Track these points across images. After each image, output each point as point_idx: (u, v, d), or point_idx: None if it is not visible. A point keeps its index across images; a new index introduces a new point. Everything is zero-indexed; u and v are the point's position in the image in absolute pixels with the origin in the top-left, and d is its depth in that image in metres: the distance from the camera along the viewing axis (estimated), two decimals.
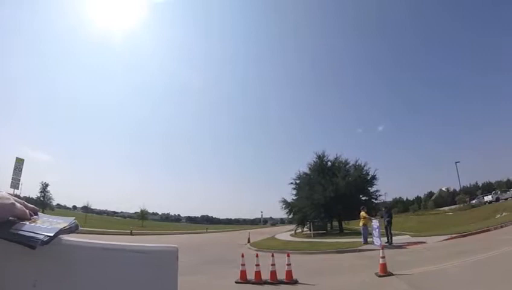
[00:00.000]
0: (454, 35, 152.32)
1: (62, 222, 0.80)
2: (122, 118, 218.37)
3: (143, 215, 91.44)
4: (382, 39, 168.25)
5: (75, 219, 0.85)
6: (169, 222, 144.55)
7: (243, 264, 9.44)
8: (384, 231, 16.92)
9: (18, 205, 0.76)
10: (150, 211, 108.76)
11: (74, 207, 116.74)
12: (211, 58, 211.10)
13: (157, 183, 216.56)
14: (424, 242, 16.13)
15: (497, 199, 55.12)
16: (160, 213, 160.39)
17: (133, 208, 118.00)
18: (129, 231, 42.47)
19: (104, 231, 38.99)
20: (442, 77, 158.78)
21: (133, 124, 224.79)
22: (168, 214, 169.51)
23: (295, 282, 8.77)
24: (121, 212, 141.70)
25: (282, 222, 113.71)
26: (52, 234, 0.70)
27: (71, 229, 0.80)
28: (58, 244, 0.71)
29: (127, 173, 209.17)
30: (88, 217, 65.24)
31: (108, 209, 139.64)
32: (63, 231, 0.75)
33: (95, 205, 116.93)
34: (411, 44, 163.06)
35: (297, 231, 38.93)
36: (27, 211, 0.79)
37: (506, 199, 52.30)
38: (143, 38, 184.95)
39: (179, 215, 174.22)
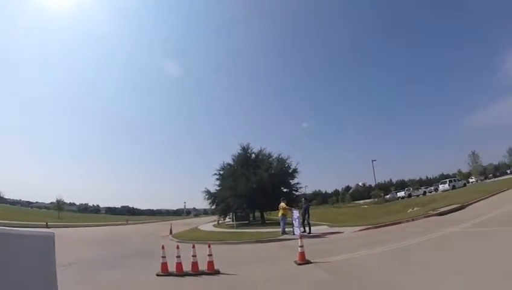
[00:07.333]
0: (381, 41, 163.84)
1: None
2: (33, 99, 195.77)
3: (59, 206, 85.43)
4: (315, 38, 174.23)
5: None
6: (88, 213, 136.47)
7: (163, 257, 9.19)
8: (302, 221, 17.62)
9: None
10: (67, 201, 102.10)
11: None
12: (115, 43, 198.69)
13: (74, 172, 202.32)
14: (341, 232, 17.00)
15: (410, 195, 60.91)
16: (77, 204, 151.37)
17: (49, 198, 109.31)
18: (44, 223, 39.22)
19: (16, 223, 35.34)
20: (367, 81, 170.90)
21: (43, 104, 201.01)
22: (86, 204, 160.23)
23: (217, 272, 8.77)
24: (37, 202, 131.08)
25: (205, 212, 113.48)
26: None
27: None
28: None
29: (39, 158, 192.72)
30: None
31: (23, 199, 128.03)
32: None
33: (8, 195, 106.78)
34: (340, 44, 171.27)
35: (220, 222, 39.30)
36: None
37: (418, 196, 57.81)
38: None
39: (97, 206, 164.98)
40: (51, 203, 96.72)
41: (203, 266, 8.96)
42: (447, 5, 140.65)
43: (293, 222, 17.32)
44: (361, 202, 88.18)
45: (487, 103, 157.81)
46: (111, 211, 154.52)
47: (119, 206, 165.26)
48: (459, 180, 56.42)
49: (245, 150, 38.14)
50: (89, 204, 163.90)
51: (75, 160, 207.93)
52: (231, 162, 38.53)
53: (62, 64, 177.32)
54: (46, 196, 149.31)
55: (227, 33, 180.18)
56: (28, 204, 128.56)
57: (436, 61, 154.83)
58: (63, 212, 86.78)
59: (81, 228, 44.54)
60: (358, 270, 7.80)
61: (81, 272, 9.94)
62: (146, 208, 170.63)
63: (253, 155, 38.25)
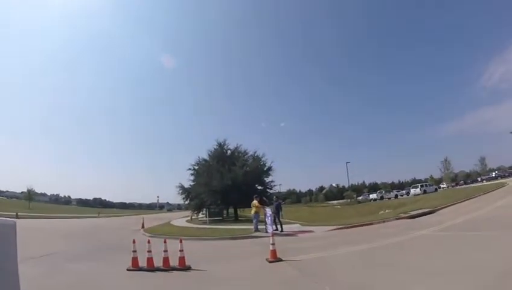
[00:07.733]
0: (365, 46, 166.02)
1: None
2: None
3: (30, 196, 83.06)
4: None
5: None
6: (59, 204, 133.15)
7: (134, 251, 9.06)
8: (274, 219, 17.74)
9: None
10: (38, 191, 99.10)
11: None
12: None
13: (46, 161, 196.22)
14: (312, 231, 17.21)
15: (382, 198, 62.43)
16: (49, 194, 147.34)
17: (20, 187, 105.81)
18: (15, 214, 37.91)
19: None
20: (345, 84, 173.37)
21: (17, 89, 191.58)
22: (57, 195, 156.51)
23: (188, 268, 8.73)
24: (7, 191, 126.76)
25: (179, 207, 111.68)
26: None
27: None
28: None
29: (11, 146, 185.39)
30: None
31: None
32: None
33: None
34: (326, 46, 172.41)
35: (193, 217, 39.06)
36: None
37: (389, 199, 59.22)
38: None
39: (69, 197, 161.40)
40: (22, 192, 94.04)
41: (174, 262, 8.90)
42: (431, 13, 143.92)
43: (266, 219, 17.44)
44: (335, 202, 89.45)
45: (462, 113, 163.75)
46: (82, 202, 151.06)
47: (91, 198, 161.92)
48: (430, 186, 57.93)
49: (221, 146, 38.00)
50: (60, 195, 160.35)
51: (48, 149, 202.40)
52: (207, 157, 38.33)
53: (43, 49, 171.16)
54: (17, 185, 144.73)
55: (220, 28, 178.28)
56: None
57: (414, 68, 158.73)
58: (34, 202, 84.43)
59: (52, 219, 43.31)
60: (328, 269, 7.92)
61: (50, 265, 9.69)
62: (118, 201, 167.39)
63: (229, 152, 38.20)
